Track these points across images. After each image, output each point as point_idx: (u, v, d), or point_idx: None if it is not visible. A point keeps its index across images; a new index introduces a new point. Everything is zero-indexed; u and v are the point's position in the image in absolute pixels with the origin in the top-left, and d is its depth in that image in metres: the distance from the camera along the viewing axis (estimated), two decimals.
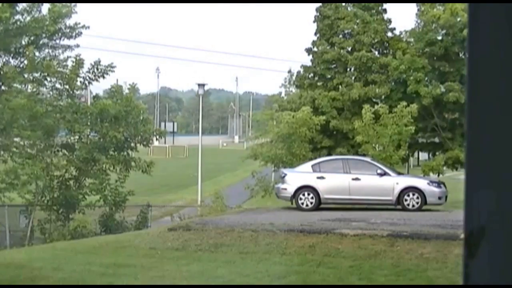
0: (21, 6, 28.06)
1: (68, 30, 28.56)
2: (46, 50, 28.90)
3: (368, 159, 24.56)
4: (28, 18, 27.99)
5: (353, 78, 42.17)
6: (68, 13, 28.53)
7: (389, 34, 42.83)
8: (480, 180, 1.58)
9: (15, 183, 26.50)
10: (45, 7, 28.62)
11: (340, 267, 13.66)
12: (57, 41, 28.81)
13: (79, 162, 27.88)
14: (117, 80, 33.16)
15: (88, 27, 29.10)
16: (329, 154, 34.16)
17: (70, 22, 28.71)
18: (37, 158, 27.52)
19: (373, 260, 14.23)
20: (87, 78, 28.67)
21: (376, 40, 42.39)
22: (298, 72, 44.14)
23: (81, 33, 28.77)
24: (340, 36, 42.96)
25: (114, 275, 13.58)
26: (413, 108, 31.95)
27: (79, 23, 28.81)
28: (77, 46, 29.08)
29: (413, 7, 42.95)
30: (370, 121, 31.49)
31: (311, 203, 21.26)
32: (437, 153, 40.67)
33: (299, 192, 21.46)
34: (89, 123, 28.91)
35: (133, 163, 28.92)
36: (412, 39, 41.89)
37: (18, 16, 28.05)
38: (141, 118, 29.91)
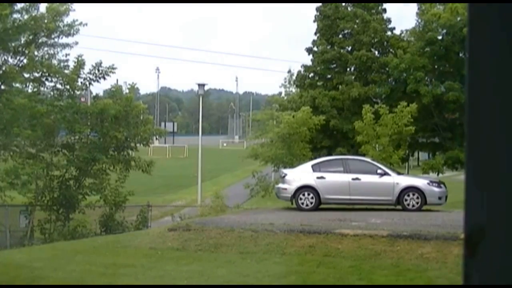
0: (19, 5, 28.07)
1: (66, 28, 28.56)
2: (45, 49, 28.90)
3: (368, 159, 24.55)
4: (27, 16, 27.99)
5: (353, 77, 42.19)
6: (66, 11, 28.55)
7: (389, 33, 42.86)
8: (480, 180, 1.58)
9: (15, 183, 26.52)
10: (43, 6, 28.67)
11: (340, 267, 13.66)
12: (56, 39, 28.82)
13: (79, 162, 27.88)
14: (117, 80, 33.25)
15: (86, 24, 29.13)
16: (329, 154, 34.15)
17: (68, 20, 28.75)
18: (37, 158, 27.53)
19: (373, 260, 14.23)
20: (88, 79, 28.71)
21: (376, 40, 42.43)
22: (299, 72, 44.17)
23: (78, 30, 28.78)
24: (340, 35, 43.00)
25: (114, 275, 13.58)
26: (412, 107, 31.90)
27: (77, 20, 28.85)
28: (76, 43, 29.12)
29: (413, 6, 43.02)
30: (370, 121, 31.49)
31: (311, 203, 21.24)
32: (437, 153, 40.66)
33: (299, 192, 21.44)
34: (89, 123, 28.93)
35: (133, 163, 28.93)
36: (412, 38, 41.90)
37: (17, 15, 28.06)
38: (141, 118, 29.94)
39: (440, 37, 40.54)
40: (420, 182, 21.88)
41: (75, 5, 29.33)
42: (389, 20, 43.04)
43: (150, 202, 31.05)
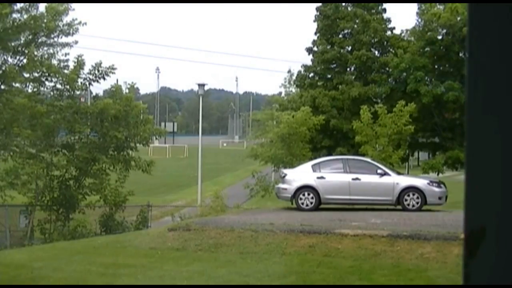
0: (19, 4, 28.06)
1: (65, 27, 28.54)
2: (45, 48, 28.88)
3: (368, 159, 24.55)
4: (26, 16, 27.97)
5: (353, 77, 42.22)
6: (66, 11, 28.52)
7: (389, 33, 42.89)
8: (480, 180, 1.58)
9: (15, 183, 26.52)
10: (42, 5, 28.66)
11: (340, 267, 13.66)
12: (55, 39, 28.80)
13: (79, 162, 27.88)
14: (117, 80, 33.22)
15: (85, 24, 29.12)
16: (329, 154, 34.17)
17: (67, 19, 28.73)
18: (37, 158, 27.52)
19: (373, 260, 14.23)
20: (88, 79, 28.71)
21: (375, 40, 42.46)
22: (299, 72, 44.22)
23: (78, 29, 28.75)
24: (340, 35, 43.02)
25: (114, 275, 13.57)
26: (411, 107, 31.84)
27: (76, 19, 28.82)
28: (76, 42, 29.10)
29: (413, 6, 43.11)
30: (368, 121, 31.46)
31: (311, 203, 21.24)
32: (437, 152, 40.67)
33: (299, 192, 21.43)
34: (89, 123, 28.92)
35: (133, 163, 28.92)
36: (412, 38, 41.93)
37: (16, 15, 28.05)
38: (141, 118, 29.92)
39: (440, 37, 40.58)
40: (420, 182, 21.87)
41: (75, 5, 29.35)
42: (389, 20, 43.07)
43: (150, 202, 31.06)
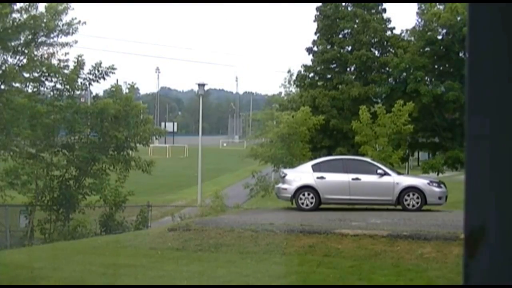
0: (19, 4, 28.04)
1: (65, 27, 28.53)
2: (45, 48, 28.88)
3: (368, 159, 24.55)
4: (26, 16, 27.95)
5: (353, 77, 42.22)
6: (65, 10, 28.51)
7: (389, 33, 42.89)
8: (480, 180, 1.58)
9: (15, 183, 26.53)
10: (42, 5, 28.64)
11: (340, 267, 13.65)
12: (55, 39, 28.79)
13: (79, 162, 27.89)
14: (117, 80, 33.22)
15: (85, 23, 29.10)
16: (329, 154, 34.16)
17: (67, 18, 28.71)
18: (37, 158, 27.54)
19: (373, 260, 14.23)
20: (88, 79, 28.72)
21: (376, 40, 42.46)
22: (299, 72, 44.20)
23: (77, 29, 28.74)
24: (340, 35, 43.02)
25: (114, 275, 13.58)
26: (410, 106, 31.84)
27: (75, 18, 28.80)
28: (75, 42, 29.09)
29: (413, 6, 43.12)
30: (367, 121, 31.46)
31: (311, 203, 21.23)
32: (437, 152, 40.67)
33: (299, 192, 21.42)
34: (89, 123, 28.94)
35: (133, 163, 28.94)
36: (412, 38, 41.93)
37: (16, 14, 28.03)
38: (141, 117, 29.95)
39: (440, 37, 40.57)
40: (420, 182, 21.86)
41: (75, 5, 29.30)
42: (389, 20, 43.07)
43: (150, 202, 31.05)
